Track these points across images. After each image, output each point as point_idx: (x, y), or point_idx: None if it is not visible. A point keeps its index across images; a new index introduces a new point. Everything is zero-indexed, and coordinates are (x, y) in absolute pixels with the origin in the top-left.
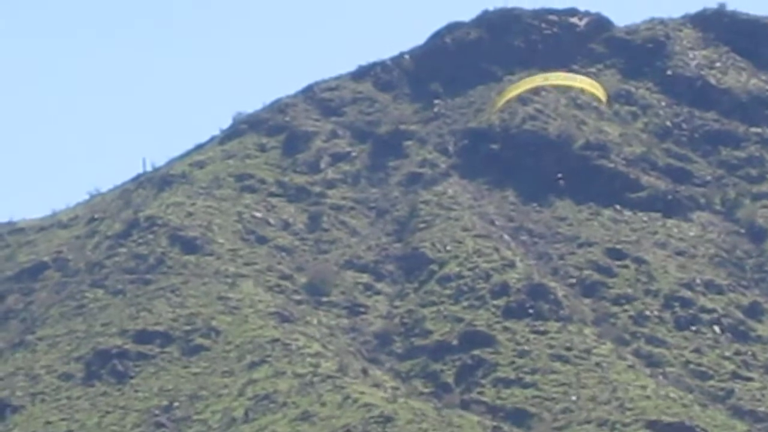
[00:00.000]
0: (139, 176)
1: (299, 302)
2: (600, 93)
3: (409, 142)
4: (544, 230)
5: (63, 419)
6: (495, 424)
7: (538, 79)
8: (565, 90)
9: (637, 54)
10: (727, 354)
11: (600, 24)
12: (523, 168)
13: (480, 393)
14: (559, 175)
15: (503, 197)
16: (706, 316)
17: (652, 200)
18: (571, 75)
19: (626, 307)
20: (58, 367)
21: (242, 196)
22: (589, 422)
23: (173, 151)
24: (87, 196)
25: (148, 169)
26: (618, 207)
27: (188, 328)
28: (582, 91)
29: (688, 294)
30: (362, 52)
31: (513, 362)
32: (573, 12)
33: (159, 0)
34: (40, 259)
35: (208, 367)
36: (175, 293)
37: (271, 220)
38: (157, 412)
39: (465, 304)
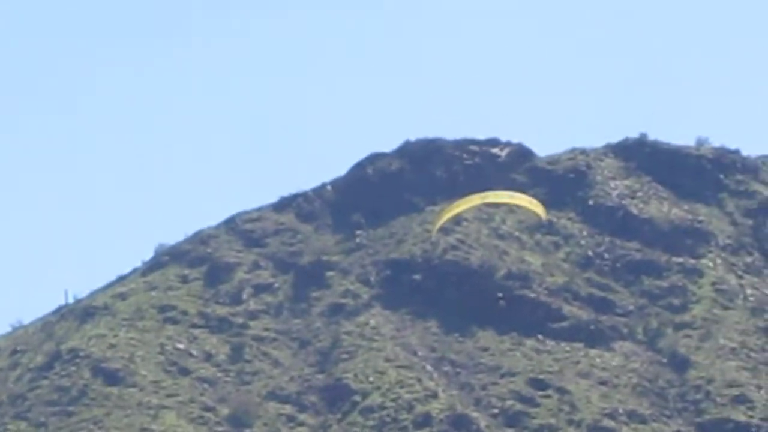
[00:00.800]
0: (61, 308)
1: None
2: (539, 210)
3: (331, 273)
4: (467, 360)
5: None
6: None
7: (477, 199)
8: (487, 220)
9: (559, 184)
10: None
11: (521, 154)
12: (446, 298)
13: None
14: (500, 296)
15: (426, 328)
16: None
17: (575, 330)
18: (510, 193)
19: None
20: None
21: (165, 328)
22: None
23: (95, 283)
24: (9, 328)
25: (71, 300)
26: (540, 337)
27: None
28: (519, 207)
29: (611, 424)
30: (284, 183)
31: None
32: (494, 142)
33: (86, 131)
34: None
35: None
36: (97, 425)
37: (194, 352)
38: None
39: None
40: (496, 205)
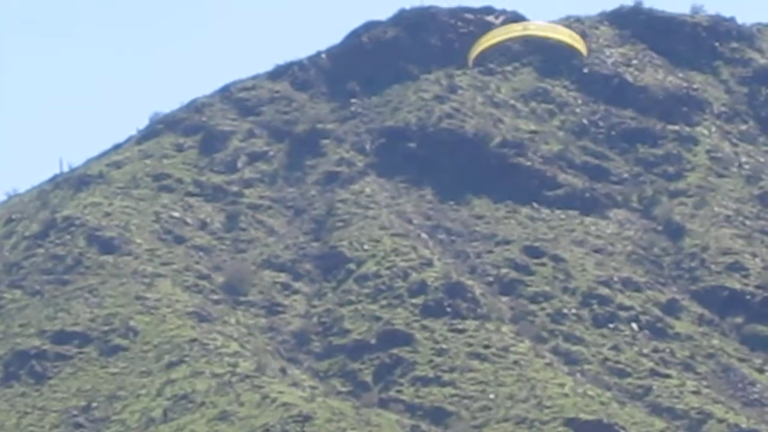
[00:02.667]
0: (56, 177)
1: (217, 302)
2: (581, 46)
3: (326, 141)
4: (462, 229)
5: None
6: (413, 422)
7: (518, 28)
8: (481, 88)
9: (554, 52)
10: (644, 351)
11: (516, 22)
12: (440, 166)
13: (398, 392)
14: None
15: (420, 196)
16: (623, 314)
17: (570, 198)
18: (553, 26)
19: (544, 305)
20: None
21: (159, 196)
22: (507, 420)
23: (90, 152)
24: (4, 197)
25: (65, 169)
26: (535, 205)
27: (106, 328)
28: (561, 43)
29: (605, 291)
30: (279, 52)
31: (431, 361)
32: (489, 10)
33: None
34: None
35: (126, 368)
36: (92, 293)
37: (189, 220)
38: (75, 412)
39: (383, 303)
40: (532, 41)
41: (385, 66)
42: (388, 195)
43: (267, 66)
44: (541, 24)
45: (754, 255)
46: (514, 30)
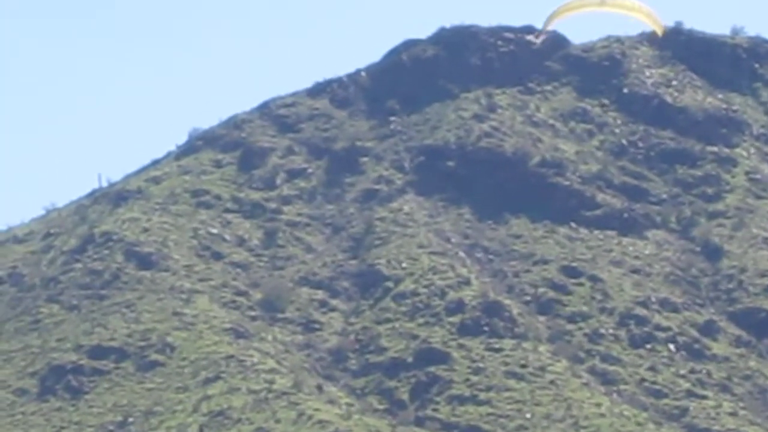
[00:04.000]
0: (94, 192)
1: (254, 318)
2: (657, 26)
3: (365, 159)
4: (500, 248)
5: None
6: None
7: (595, 2)
8: (521, 107)
9: (593, 72)
10: (681, 372)
11: (556, 42)
12: (479, 185)
13: (435, 410)
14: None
15: (459, 214)
16: (661, 334)
17: (608, 218)
18: (630, 3)
19: (581, 324)
20: (12, 382)
21: (198, 212)
22: None
23: (129, 167)
24: (43, 212)
25: (104, 184)
26: (573, 225)
27: (143, 343)
28: (638, 19)
29: (643, 312)
30: (319, 69)
31: (468, 379)
32: (529, 29)
33: (114, 17)
34: None
35: (162, 383)
36: (130, 309)
37: (227, 236)
38: (111, 427)
39: (420, 321)
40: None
41: (425, 84)
42: (427, 213)
43: (306, 83)
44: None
45: None
46: (592, 3)
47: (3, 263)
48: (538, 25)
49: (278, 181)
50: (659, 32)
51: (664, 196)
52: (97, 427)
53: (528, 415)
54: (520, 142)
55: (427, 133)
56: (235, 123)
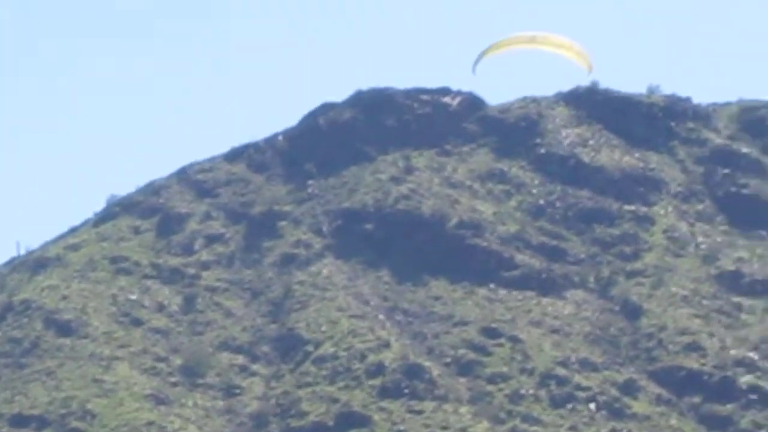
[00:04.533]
0: (13, 260)
1: (175, 384)
2: (586, 63)
3: (283, 223)
4: (419, 309)
5: None
6: None
7: (525, 40)
8: (438, 169)
9: (511, 132)
10: (603, 431)
11: (473, 103)
12: (398, 247)
13: None
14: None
15: (378, 277)
16: (581, 394)
17: (527, 279)
18: (560, 40)
19: (502, 385)
20: None
21: (117, 279)
22: None
23: (47, 235)
24: None
25: (22, 252)
26: (492, 286)
27: (64, 411)
28: (567, 58)
29: (563, 372)
30: (236, 134)
31: None
32: (446, 91)
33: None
34: None
35: None
36: (50, 376)
37: (146, 303)
38: None
39: (341, 384)
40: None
41: (342, 147)
42: (345, 276)
43: (224, 148)
44: (549, 36)
45: (711, 335)
46: (522, 40)
47: None
48: (455, 87)
49: (197, 247)
50: (588, 70)
51: (583, 255)
52: None
53: None
54: (438, 204)
55: (345, 196)
56: (152, 189)
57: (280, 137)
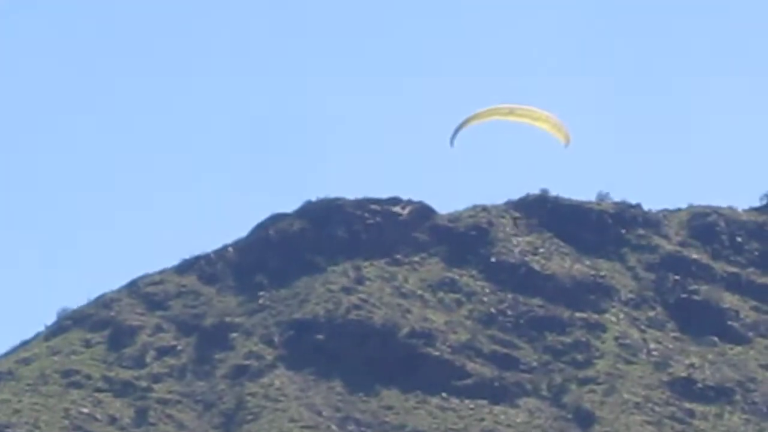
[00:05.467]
0: None
1: None
2: (561, 136)
3: (234, 335)
4: (372, 419)
5: None
6: None
7: (504, 111)
8: (389, 279)
9: (461, 241)
10: None
11: (423, 212)
12: (349, 358)
13: None
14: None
15: (330, 387)
16: None
17: (479, 387)
18: (538, 113)
19: None
20: None
21: (68, 392)
22: None
23: None
24: None
25: None
26: (445, 395)
27: None
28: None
29: None
30: (186, 246)
31: None
32: (395, 201)
33: None
34: None
35: None
36: None
37: (98, 416)
38: None
39: None
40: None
41: (292, 258)
42: (297, 387)
43: (174, 260)
44: (528, 108)
45: None
46: (501, 112)
47: None
48: (404, 196)
49: (148, 359)
50: (564, 143)
51: (535, 363)
52: None
53: None
54: (389, 314)
55: (296, 307)
56: (103, 302)
57: (230, 249)
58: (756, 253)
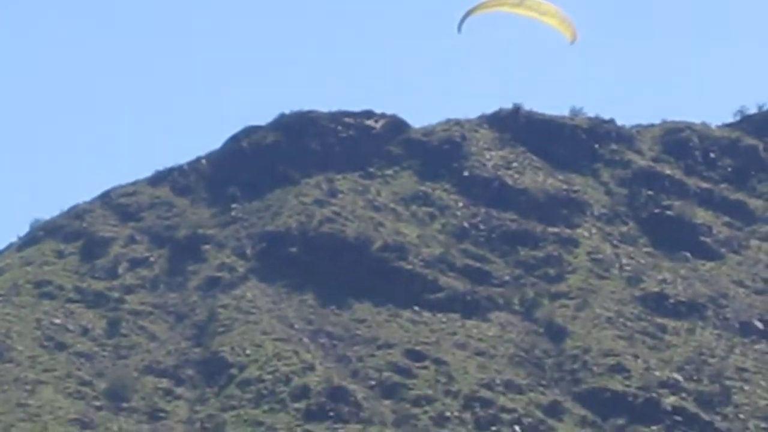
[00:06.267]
0: None
1: (99, 408)
2: (570, 32)
3: (207, 247)
4: (343, 333)
5: None
6: None
7: (513, 1)
8: (362, 192)
9: (434, 155)
10: None
11: (396, 126)
12: (322, 271)
13: None
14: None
15: (302, 300)
16: (506, 416)
17: (451, 301)
18: (546, 7)
19: (426, 408)
20: None
21: (41, 303)
22: None
23: None
24: None
25: None
26: (417, 308)
27: None
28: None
29: (488, 394)
30: (159, 157)
31: None
32: (369, 114)
33: None
34: None
35: None
36: None
37: (70, 327)
38: None
39: (265, 407)
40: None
41: (266, 171)
42: (270, 300)
43: (147, 172)
44: (537, 1)
45: (636, 356)
46: (509, 2)
47: None
48: (378, 110)
49: (120, 271)
50: (570, 39)
51: (507, 278)
52: None
53: None
54: (362, 227)
55: (269, 219)
56: (76, 213)
57: (204, 161)
58: (729, 169)
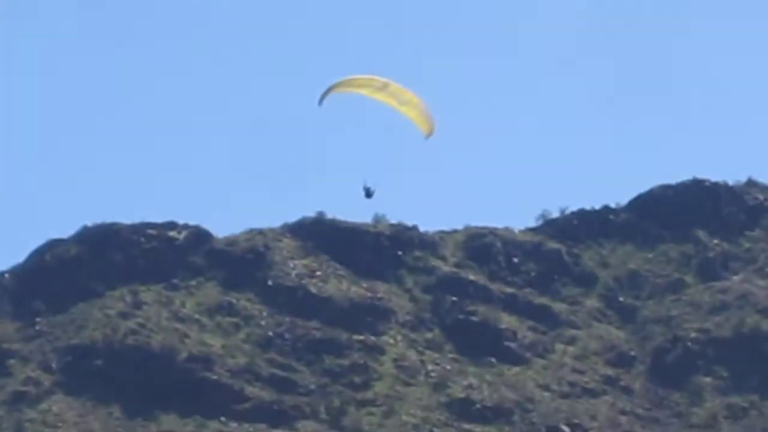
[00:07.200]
0: None
1: None
2: (425, 127)
3: (12, 361)
4: None
5: None
6: None
7: (378, 84)
8: (167, 303)
9: (238, 265)
10: None
11: (199, 236)
12: (128, 383)
13: None
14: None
15: (109, 413)
16: None
17: (258, 411)
18: (408, 96)
19: None
20: None
21: None
22: None
23: None
24: None
25: None
26: (223, 419)
27: None
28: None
29: None
30: None
31: None
32: (172, 225)
33: None
34: None
35: None
36: None
37: None
38: None
39: None
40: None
41: (69, 284)
42: (76, 413)
43: None
44: (401, 89)
45: None
46: (374, 84)
47: None
48: (181, 221)
49: None
50: (425, 134)
51: (313, 386)
52: None
53: None
54: (167, 338)
55: (74, 332)
56: None
57: (7, 275)
58: (533, 274)
